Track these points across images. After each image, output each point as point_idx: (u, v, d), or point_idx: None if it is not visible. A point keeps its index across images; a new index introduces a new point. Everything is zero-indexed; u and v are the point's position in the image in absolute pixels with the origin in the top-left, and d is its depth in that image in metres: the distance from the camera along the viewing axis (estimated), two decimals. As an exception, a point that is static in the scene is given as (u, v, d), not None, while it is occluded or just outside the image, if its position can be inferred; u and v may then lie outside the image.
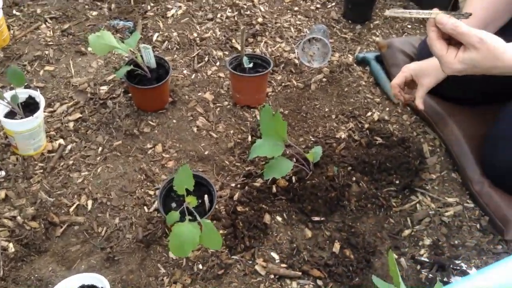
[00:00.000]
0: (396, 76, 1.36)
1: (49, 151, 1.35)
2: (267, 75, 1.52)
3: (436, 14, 0.91)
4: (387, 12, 0.97)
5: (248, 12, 1.89)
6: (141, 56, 1.41)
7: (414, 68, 1.32)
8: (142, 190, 1.28)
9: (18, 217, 1.17)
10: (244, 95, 1.53)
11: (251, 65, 1.50)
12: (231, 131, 1.47)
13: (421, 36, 1.76)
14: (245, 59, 1.49)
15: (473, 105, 1.50)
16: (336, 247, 1.21)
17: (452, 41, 0.94)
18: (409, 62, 1.62)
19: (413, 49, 1.66)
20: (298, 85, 1.64)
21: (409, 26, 1.91)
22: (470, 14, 0.93)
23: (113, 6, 1.84)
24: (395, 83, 1.34)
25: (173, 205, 1.17)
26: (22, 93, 1.31)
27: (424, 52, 1.49)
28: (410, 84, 1.37)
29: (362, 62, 1.73)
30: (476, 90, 1.42)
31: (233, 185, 1.32)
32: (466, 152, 1.39)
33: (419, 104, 1.32)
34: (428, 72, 1.29)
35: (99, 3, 1.85)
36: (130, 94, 1.51)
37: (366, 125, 1.51)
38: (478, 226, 1.27)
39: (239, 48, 1.71)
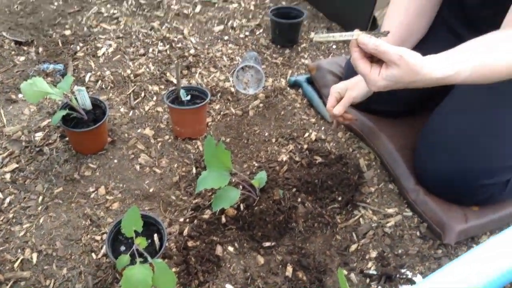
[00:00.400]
0: (328, 98, 1.42)
1: (-14, 207, 1.30)
2: (206, 106, 1.55)
3: (358, 35, 0.98)
4: (314, 38, 1.03)
5: (180, 45, 1.91)
6: (76, 99, 1.40)
7: (341, 87, 1.39)
8: (88, 236, 1.26)
9: (-42, 281, 1.12)
10: (184, 128, 1.54)
11: (188, 97, 1.52)
12: (175, 165, 1.47)
13: (346, 56, 1.86)
14: (182, 92, 1.51)
15: (402, 117, 1.60)
16: (289, 270, 1.23)
17: (375, 59, 1.00)
18: (337, 82, 1.71)
19: (340, 69, 1.74)
20: (237, 112, 1.67)
21: (334, 47, 2.01)
22: (388, 32, 1.00)
23: (40, 49, 1.81)
24: (329, 107, 1.40)
25: (122, 248, 1.15)
26: (-49, 149, 1.26)
27: (350, 71, 1.58)
28: None
29: (295, 85, 1.80)
30: (401, 102, 1.51)
31: (181, 220, 1.33)
32: (399, 163, 1.47)
33: (336, 110, 1.36)
34: (353, 87, 1.37)
35: (25, 48, 1.81)
36: (67, 138, 1.48)
37: (305, 146, 1.57)
38: (418, 233, 1.35)
39: (175, 81, 1.73)
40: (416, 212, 1.40)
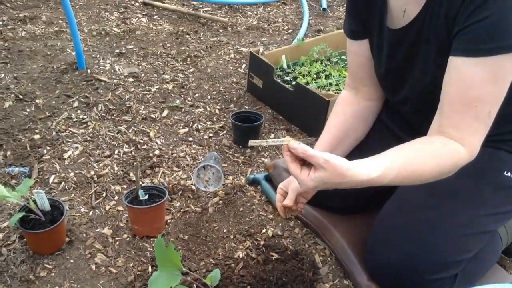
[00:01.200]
0: (276, 198, 1.49)
1: None
2: (164, 205, 1.60)
3: (288, 141, 1.08)
4: (249, 143, 1.13)
5: (145, 146, 2.01)
6: (34, 201, 1.44)
7: (284, 183, 1.47)
8: None
9: None
10: (142, 226, 1.58)
11: (146, 196, 1.57)
12: (131, 264, 1.49)
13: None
14: (140, 191, 1.56)
15: (356, 213, 1.66)
16: None
17: (306, 162, 1.09)
18: (294, 179, 1.80)
19: (296, 167, 1.83)
20: (196, 209, 1.72)
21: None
22: (316, 139, 1.10)
23: (8, 153, 1.88)
24: (277, 202, 1.47)
25: None
26: None
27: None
28: None
29: (254, 183, 1.88)
30: (350, 199, 1.59)
31: (134, 321, 1.32)
32: (352, 259, 1.50)
33: (287, 202, 1.40)
34: (290, 180, 1.44)
35: (-6, 151, 1.88)
36: (25, 239, 1.50)
37: (262, 242, 1.61)
38: (370, 327, 1.35)
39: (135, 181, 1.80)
40: (372, 307, 1.41)
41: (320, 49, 2.44)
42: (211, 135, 2.15)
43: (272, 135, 2.20)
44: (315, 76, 2.34)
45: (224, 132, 2.18)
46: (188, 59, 2.77)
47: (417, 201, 1.38)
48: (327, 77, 2.33)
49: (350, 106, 1.51)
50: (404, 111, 1.47)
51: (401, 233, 1.33)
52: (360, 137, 1.55)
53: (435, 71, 1.22)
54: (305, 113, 2.16)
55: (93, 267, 1.46)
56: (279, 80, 2.24)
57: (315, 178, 1.06)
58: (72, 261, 1.47)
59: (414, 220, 1.33)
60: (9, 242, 1.51)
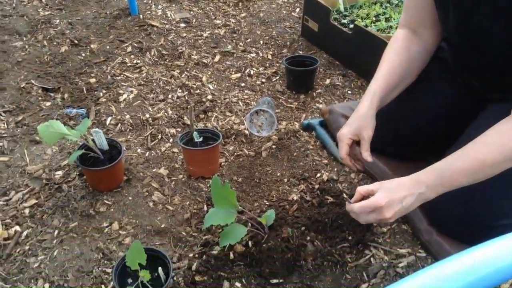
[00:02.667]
0: (339, 148, 1.42)
1: (5, 239, 1.34)
2: (218, 147, 1.59)
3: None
4: None
5: (198, 91, 2.00)
6: (93, 140, 1.47)
7: (349, 131, 1.40)
8: (99, 269, 1.28)
9: (-29, 310, 1.15)
10: (197, 167, 1.58)
11: (201, 139, 1.57)
12: (187, 203, 1.51)
13: (359, 101, 1.89)
14: (195, 134, 1.56)
15: (415, 161, 1.60)
16: (296, 307, 1.22)
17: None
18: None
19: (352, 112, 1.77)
20: (250, 153, 1.71)
21: (349, 92, 2.06)
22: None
23: (66, 95, 1.92)
24: (343, 155, 1.41)
25: (129, 281, 1.17)
26: (-25, 184, 1.33)
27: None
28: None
29: (308, 128, 1.84)
30: (410, 146, 1.52)
31: (190, 255, 1.34)
32: (412, 204, 1.46)
33: (367, 157, 1.38)
34: (365, 127, 1.38)
35: (52, 94, 1.92)
36: (85, 177, 1.54)
37: (317, 186, 1.58)
38: (429, 272, 1.31)
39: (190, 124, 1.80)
40: (430, 253, 1.37)
41: (379, -9, 2.32)
42: (263, 80, 2.11)
43: (328, 80, 2.13)
44: (374, 19, 2.23)
45: (277, 77, 2.13)
46: (240, 4, 2.70)
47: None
48: (387, 20, 2.21)
49: (413, 45, 1.42)
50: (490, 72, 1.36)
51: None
52: (416, 76, 1.47)
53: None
54: (364, 57, 2.07)
55: (151, 204, 1.49)
56: (336, 23, 2.14)
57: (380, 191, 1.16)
58: (130, 198, 1.50)
59: None
60: (69, 179, 1.55)
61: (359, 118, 1.38)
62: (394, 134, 1.55)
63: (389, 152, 1.60)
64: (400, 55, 1.43)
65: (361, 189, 1.20)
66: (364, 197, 1.22)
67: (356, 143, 1.43)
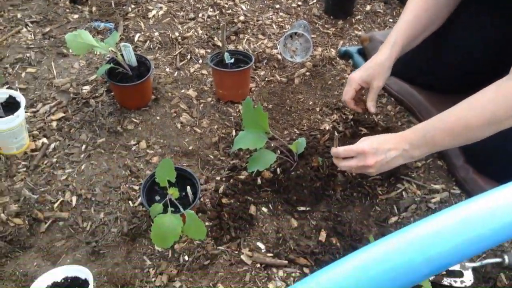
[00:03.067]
0: (345, 90, 1.35)
1: (33, 150, 1.34)
2: (249, 70, 1.53)
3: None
4: None
5: (230, 11, 1.90)
6: (122, 54, 1.41)
7: (361, 76, 1.32)
8: (127, 185, 1.27)
9: (2, 214, 1.16)
10: (227, 91, 1.53)
11: (232, 60, 1.50)
12: (215, 126, 1.47)
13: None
14: (226, 55, 1.49)
15: (454, 94, 1.51)
16: (323, 235, 1.20)
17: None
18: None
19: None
20: (282, 79, 1.64)
21: (391, 20, 1.93)
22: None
23: (94, 9, 1.84)
24: (346, 98, 1.34)
25: (157, 198, 1.16)
26: (3, 93, 1.30)
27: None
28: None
29: (345, 56, 1.74)
30: (453, 77, 1.43)
31: (218, 178, 1.32)
32: (449, 139, 1.40)
33: (371, 107, 1.33)
34: (377, 76, 1.30)
35: (80, 7, 1.85)
36: (112, 93, 1.50)
37: (351, 116, 1.52)
38: (463, 210, 1.27)
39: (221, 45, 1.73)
40: (465, 190, 1.33)
41: None
42: (299, 3, 2.00)
43: (368, 7, 2.00)
44: None
45: (315, 0, 2.01)
46: None
47: None
48: None
49: None
50: None
51: None
52: (443, 21, 1.37)
53: None
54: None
55: (178, 125, 1.45)
56: None
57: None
58: (158, 117, 1.47)
59: None
60: (96, 94, 1.52)
61: (375, 66, 1.30)
62: (433, 63, 1.46)
63: (428, 84, 1.52)
64: (427, 1, 1.31)
65: (351, 146, 1.18)
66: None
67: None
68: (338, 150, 1.18)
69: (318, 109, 1.55)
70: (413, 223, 0.46)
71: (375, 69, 1.31)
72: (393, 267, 0.43)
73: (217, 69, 1.47)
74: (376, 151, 1.13)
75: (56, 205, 1.21)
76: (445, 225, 0.45)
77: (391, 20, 1.94)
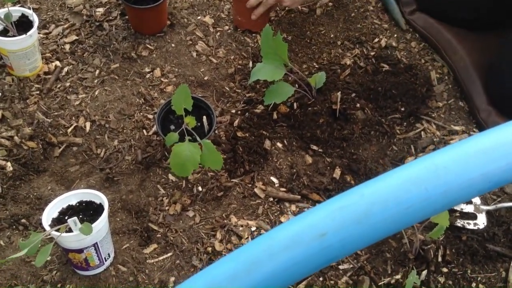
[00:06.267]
0: None
1: (45, 73, 1.31)
2: None
3: None
4: None
5: None
6: (137, -26, 1.34)
7: None
8: (141, 113, 1.26)
9: (16, 137, 1.16)
10: (246, 18, 1.46)
11: None
12: (232, 57, 1.42)
13: None
14: None
15: (483, 31, 1.44)
16: (337, 172, 1.19)
17: None
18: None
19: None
20: (303, 9, 1.57)
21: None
22: None
23: None
24: None
25: (172, 127, 1.14)
26: (15, 11, 1.26)
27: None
28: None
29: (371, -13, 1.65)
30: (486, 10, 1.36)
31: (233, 111, 1.29)
32: (474, 80, 1.35)
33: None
34: None
35: None
36: (127, 17, 1.45)
37: (373, 52, 1.46)
38: (483, 153, 1.25)
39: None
40: (485, 133, 1.29)
41: None
42: None
43: None
44: None
45: None
46: None
47: None
48: None
49: None
50: None
51: None
52: None
53: None
54: None
55: (194, 54, 1.41)
56: None
57: None
58: (173, 45, 1.42)
59: None
60: (110, 17, 1.46)
61: None
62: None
63: (456, 18, 1.44)
64: None
65: None
66: None
67: None
68: None
69: (339, 43, 1.49)
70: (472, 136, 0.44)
71: None
72: (447, 181, 0.40)
73: None
74: None
75: (69, 130, 1.20)
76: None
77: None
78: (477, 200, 1.14)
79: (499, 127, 0.44)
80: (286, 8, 1.56)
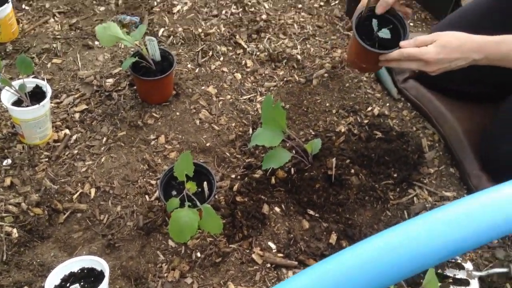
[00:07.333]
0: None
1: (55, 141, 1.38)
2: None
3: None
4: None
5: (253, 9, 1.91)
6: (146, 48, 1.44)
7: None
8: (144, 179, 1.31)
9: (23, 204, 1.21)
10: (361, 61, 1.37)
11: (385, 32, 1.26)
12: (233, 124, 1.50)
13: (423, 33, 1.77)
14: (374, 22, 1.27)
15: (472, 101, 1.52)
16: (333, 238, 1.23)
17: None
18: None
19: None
20: (300, 80, 1.66)
21: (412, 24, 1.93)
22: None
23: (120, 1, 1.88)
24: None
25: (174, 193, 1.19)
26: (30, 83, 1.35)
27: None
28: None
29: (364, 58, 1.75)
30: (475, 83, 1.44)
31: (233, 176, 1.35)
32: (465, 147, 1.41)
33: (379, 7, 1.27)
34: None
35: (106, -1, 1.89)
36: (135, 87, 1.54)
37: (366, 120, 1.53)
38: (474, 219, 1.28)
39: (243, 44, 1.75)
40: (476, 199, 1.33)
41: None
42: (321, 3, 2.00)
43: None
44: None
45: (337, 1, 2.01)
46: None
47: None
48: None
49: None
50: None
51: None
52: None
53: None
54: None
55: (197, 122, 1.49)
56: None
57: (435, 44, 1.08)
58: (178, 113, 1.50)
59: None
60: (119, 88, 1.56)
61: None
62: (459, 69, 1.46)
63: (449, 89, 1.52)
64: None
65: (419, 40, 1.15)
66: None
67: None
68: (402, 51, 1.14)
69: (334, 111, 1.57)
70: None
71: None
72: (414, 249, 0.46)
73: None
74: (441, 61, 1.11)
75: (75, 196, 1.25)
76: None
77: (411, 24, 1.93)
78: (469, 266, 1.17)
79: (462, 199, 0.50)
80: (285, 79, 1.66)
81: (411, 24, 1.93)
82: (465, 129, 1.43)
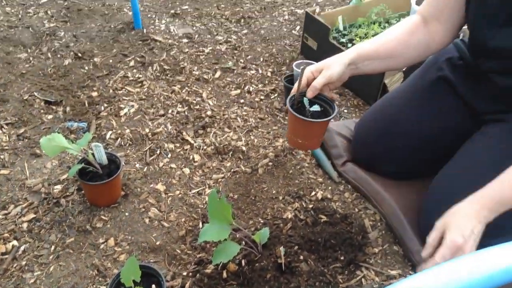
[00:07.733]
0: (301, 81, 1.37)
1: (2, 253, 1.37)
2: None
3: None
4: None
5: (198, 107, 2.02)
6: (93, 154, 1.49)
7: (315, 68, 1.37)
8: (94, 286, 1.30)
9: (-33, 323, 1.17)
10: (302, 138, 1.45)
11: (316, 107, 1.39)
12: (183, 219, 1.53)
13: (355, 120, 1.92)
14: (305, 100, 1.39)
15: (408, 179, 1.62)
16: (287, 327, 1.24)
17: None
18: (345, 143, 1.77)
19: (349, 131, 1.80)
20: (246, 170, 1.74)
21: (345, 111, 2.08)
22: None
23: (68, 109, 1.95)
24: (303, 85, 1.37)
25: (123, 298, 1.19)
26: (-25, 198, 1.36)
27: (359, 132, 1.66)
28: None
29: (305, 146, 1.86)
30: (405, 164, 1.55)
31: (184, 273, 1.36)
32: (404, 225, 1.48)
33: (309, 92, 1.35)
34: (328, 67, 1.35)
35: (54, 107, 1.96)
36: (83, 191, 1.57)
37: (311, 205, 1.60)
38: (419, 295, 1.33)
39: (191, 140, 1.83)
40: (421, 274, 1.39)
41: (379, 10, 2.34)
42: (262, 97, 2.14)
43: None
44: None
45: (276, 94, 2.15)
46: (242, 20, 2.74)
47: (485, 161, 1.32)
48: (384, 39, 2.23)
49: (418, 33, 1.39)
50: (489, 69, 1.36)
51: (463, 194, 1.26)
52: (402, 66, 1.52)
53: None
54: (361, 76, 2.09)
55: (147, 220, 1.51)
56: (334, 42, 2.17)
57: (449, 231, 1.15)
58: (127, 214, 1.53)
59: (479, 179, 1.22)
60: (67, 193, 1.58)
61: (330, 59, 1.38)
62: (392, 152, 1.57)
63: (384, 170, 1.63)
64: (400, 34, 1.41)
65: (432, 241, 1.19)
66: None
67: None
68: (436, 261, 1.14)
69: (280, 198, 1.63)
70: None
71: (329, 60, 1.36)
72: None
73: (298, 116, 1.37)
74: (467, 237, 1.12)
75: (22, 310, 1.23)
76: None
77: (345, 110, 2.08)
78: None
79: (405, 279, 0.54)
80: (232, 170, 1.73)
81: (345, 110, 2.09)
82: (402, 206, 1.52)
